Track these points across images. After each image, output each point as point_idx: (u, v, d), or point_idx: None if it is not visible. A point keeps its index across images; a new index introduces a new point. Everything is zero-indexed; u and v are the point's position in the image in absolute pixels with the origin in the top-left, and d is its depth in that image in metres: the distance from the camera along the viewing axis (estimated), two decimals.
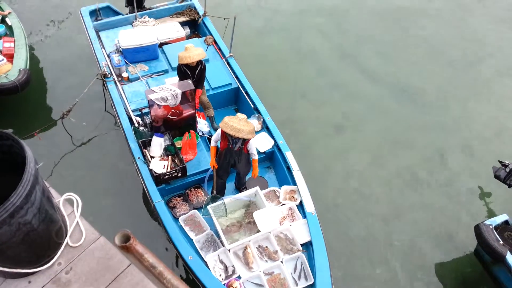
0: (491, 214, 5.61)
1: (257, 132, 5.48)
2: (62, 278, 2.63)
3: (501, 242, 4.48)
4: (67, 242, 2.75)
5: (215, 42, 6.54)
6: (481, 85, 7.39)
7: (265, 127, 5.52)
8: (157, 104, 4.81)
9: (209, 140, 5.53)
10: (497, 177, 5.25)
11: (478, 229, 4.62)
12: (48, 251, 2.61)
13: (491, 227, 4.59)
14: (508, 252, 4.41)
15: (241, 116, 4.35)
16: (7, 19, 7.04)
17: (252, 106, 5.70)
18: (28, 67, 6.28)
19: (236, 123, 4.22)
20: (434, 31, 8.41)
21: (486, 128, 6.71)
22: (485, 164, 6.08)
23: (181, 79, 5.21)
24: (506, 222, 4.85)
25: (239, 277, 4.15)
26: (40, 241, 2.44)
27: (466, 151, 6.36)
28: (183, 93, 4.84)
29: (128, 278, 2.68)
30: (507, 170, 5.08)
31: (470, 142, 6.47)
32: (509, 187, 5.17)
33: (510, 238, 4.69)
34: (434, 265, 5.13)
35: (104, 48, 6.35)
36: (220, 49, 6.45)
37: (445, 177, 6.01)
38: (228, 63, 6.22)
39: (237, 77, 6.01)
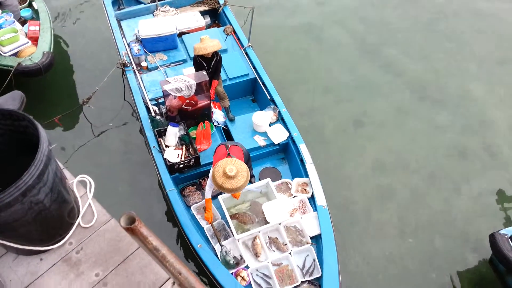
0: (509, 222, 5.39)
1: (272, 124, 5.48)
2: (73, 258, 2.72)
3: None
4: (78, 223, 2.83)
5: (234, 32, 6.53)
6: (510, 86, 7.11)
7: (281, 119, 5.50)
8: (172, 95, 4.86)
9: (224, 130, 5.56)
10: None
11: (492, 238, 4.47)
12: (60, 231, 2.69)
13: (506, 237, 4.43)
14: None
15: (232, 169, 3.68)
16: (33, 3, 7.15)
17: (269, 97, 5.67)
18: (52, 50, 6.33)
19: (230, 184, 3.68)
20: (462, 29, 8.11)
21: (510, 131, 6.44)
22: (505, 169, 5.87)
23: (197, 70, 5.22)
24: None
25: (247, 267, 4.18)
26: (52, 220, 2.52)
27: (487, 155, 6.12)
28: (198, 84, 4.86)
29: (136, 260, 2.75)
30: None
31: (493, 146, 6.22)
32: None
33: None
34: (449, 268, 4.99)
35: (124, 37, 6.43)
36: (239, 39, 6.44)
37: (464, 181, 5.81)
38: (246, 53, 6.21)
39: (254, 68, 6.00)
